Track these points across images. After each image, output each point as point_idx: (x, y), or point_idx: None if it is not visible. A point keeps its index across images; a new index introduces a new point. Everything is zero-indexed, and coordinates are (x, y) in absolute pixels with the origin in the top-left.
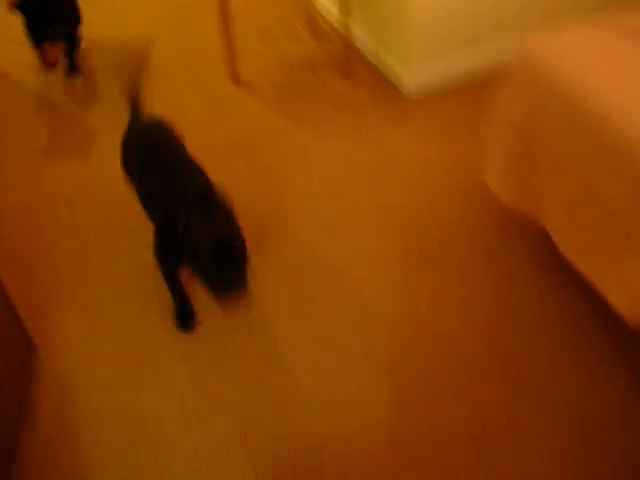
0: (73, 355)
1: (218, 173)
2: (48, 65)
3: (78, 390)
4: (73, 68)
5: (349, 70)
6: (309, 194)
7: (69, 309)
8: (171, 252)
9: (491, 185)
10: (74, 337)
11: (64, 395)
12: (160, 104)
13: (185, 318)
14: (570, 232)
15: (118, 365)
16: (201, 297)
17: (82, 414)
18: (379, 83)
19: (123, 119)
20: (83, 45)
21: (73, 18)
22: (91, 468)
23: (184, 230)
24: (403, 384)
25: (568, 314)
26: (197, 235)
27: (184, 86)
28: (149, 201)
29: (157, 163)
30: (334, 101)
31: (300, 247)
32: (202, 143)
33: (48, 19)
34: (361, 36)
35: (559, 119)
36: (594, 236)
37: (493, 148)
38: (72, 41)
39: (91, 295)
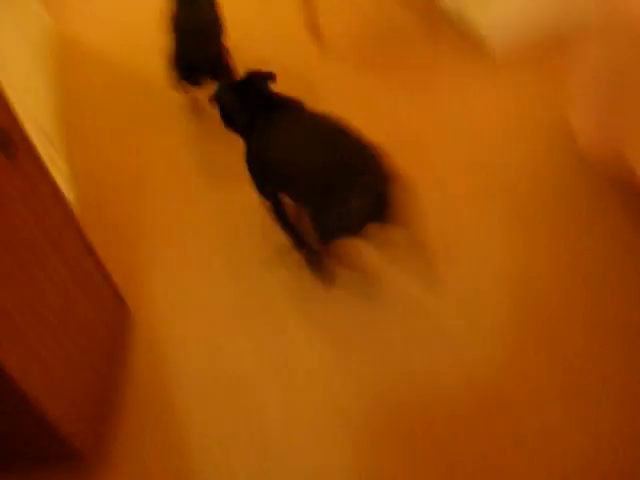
0: (166, 310)
1: None
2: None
3: (170, 344)
4: None
5: (433, 29)
6: (403, 155)
7: (161, 268)
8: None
9: (578, 132)
10: (166, 293)
11: (157, 350)
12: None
13: (315, 259)
14: None
15: (211, 319)
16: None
17: (175, 370)
18: (463, 41)
19: None
20: None
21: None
22: (185, 425)
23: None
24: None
25: None
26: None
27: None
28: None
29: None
30: (420, 62)
31: None
32: None
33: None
34: None
35: None
36: None
37: (580, 95)
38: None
39: (183, 253)
